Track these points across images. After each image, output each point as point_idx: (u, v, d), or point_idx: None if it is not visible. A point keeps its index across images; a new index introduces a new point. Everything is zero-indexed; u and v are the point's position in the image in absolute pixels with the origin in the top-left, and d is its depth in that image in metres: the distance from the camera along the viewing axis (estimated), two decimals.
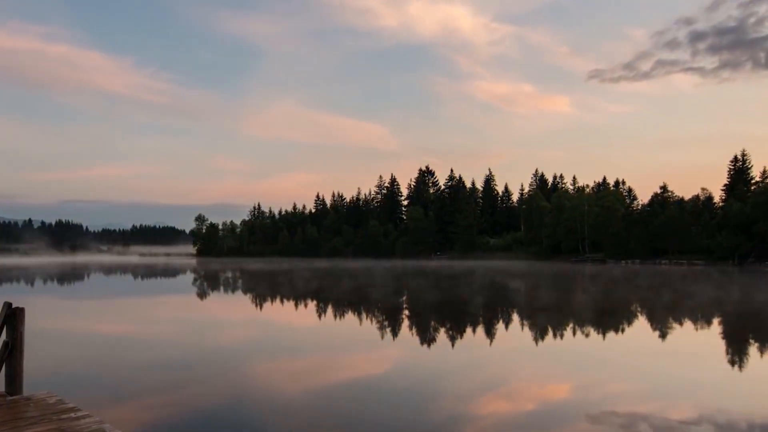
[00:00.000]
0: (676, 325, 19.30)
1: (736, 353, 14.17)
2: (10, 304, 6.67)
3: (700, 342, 15.88)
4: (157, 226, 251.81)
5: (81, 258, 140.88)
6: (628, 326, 19.17)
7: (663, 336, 16.90)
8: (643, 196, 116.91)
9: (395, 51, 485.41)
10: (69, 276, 57.56)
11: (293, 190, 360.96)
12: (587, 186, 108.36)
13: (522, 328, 18.77)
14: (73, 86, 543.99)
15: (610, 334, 17.14)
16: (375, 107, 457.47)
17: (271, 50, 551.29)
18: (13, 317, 6.60)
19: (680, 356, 13.51)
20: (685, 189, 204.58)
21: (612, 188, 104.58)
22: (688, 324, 19.80)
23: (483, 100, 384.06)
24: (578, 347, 14.62)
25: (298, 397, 9.29)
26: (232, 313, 23.98)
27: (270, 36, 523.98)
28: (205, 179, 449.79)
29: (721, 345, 15.72)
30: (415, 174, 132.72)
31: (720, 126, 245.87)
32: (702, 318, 21.38)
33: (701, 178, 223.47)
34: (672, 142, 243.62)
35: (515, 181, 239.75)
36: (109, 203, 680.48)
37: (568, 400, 9.28)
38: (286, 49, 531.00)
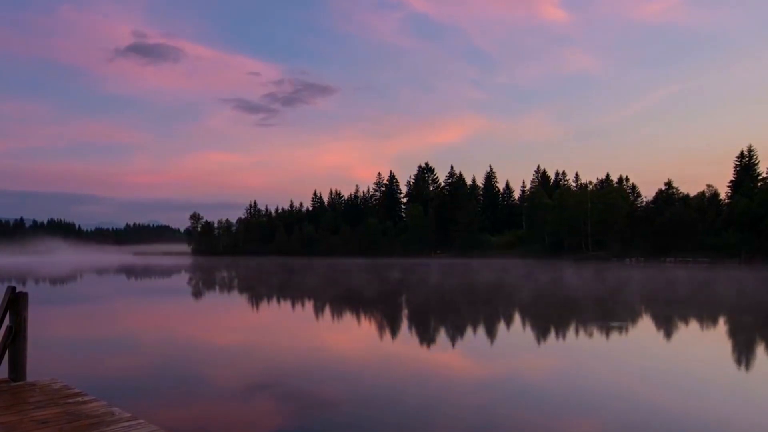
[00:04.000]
0: None
1: None
2: (14, 288, 6.49)
3: None
4: (152, 225, 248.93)
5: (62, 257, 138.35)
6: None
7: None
8: (648, 193, 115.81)
9: None
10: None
11: (216, 176, 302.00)
12: (590, 182, 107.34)
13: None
14: None
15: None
16: (249, 29, 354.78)
17: None
18: (17, 302, 6.45)
19: None
20: (690, 185, 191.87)
21: (615, 185, 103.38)
22: None
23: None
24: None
25: None
26: (154, 323, 19.66)
27: None
28: (88, 157, 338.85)
29: None
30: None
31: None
32: None
33: (706, 174, 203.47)
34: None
35: (507, 173, 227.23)
36: None
37: None
38: None
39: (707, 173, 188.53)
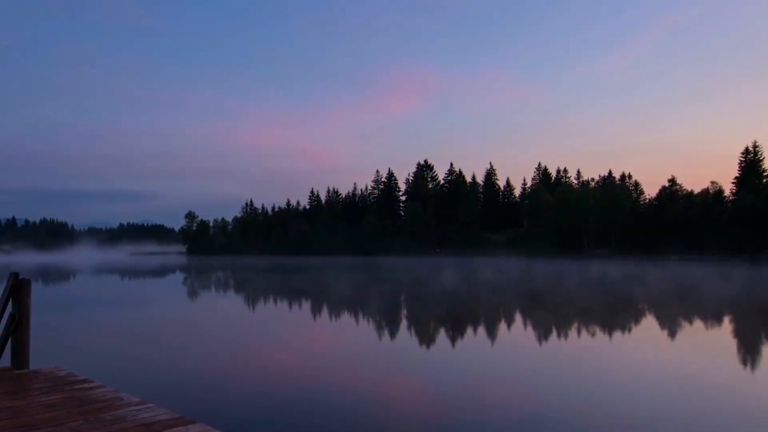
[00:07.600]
0: None
1: None
2: (17, 275, 6.39)
3: None
4: (146, 224, 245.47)
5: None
6: None
7: None
8: (651, 190, 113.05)
9: None
10: None
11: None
12: (592, 180, 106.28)
13: None
14: None
15: None
16: None
17: None
18: (20, 289, 6.39)
19: None
20: (693, 182, 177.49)
21: (618, 182, 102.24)
22: None
23: None
24: None
25: None
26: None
27: None
28: None
29: None
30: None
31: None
32: None
33: (710, 171, 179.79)
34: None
35: (508, 167, 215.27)
36: None
37: None
38: None
39: (711, 168, 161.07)
